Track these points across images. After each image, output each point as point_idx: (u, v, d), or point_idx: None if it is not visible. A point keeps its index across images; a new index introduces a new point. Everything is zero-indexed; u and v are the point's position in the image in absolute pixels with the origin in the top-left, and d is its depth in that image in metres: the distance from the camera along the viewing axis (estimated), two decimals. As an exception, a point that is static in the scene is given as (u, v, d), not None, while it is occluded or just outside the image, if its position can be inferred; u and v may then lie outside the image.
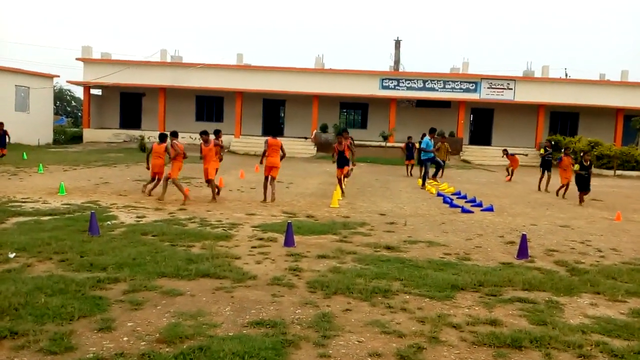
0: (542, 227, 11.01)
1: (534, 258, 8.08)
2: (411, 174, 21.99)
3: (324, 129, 33.14)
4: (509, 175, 21.64)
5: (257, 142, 31.35)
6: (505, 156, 22.11)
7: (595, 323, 5.31)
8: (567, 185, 16.47)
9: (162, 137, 13.60)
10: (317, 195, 14.46)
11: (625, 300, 6.14)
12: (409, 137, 23.30)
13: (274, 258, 7.37)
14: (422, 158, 18.62)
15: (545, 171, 18.43)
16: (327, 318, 5.11)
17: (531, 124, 34.89)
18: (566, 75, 38.73)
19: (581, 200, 15.14)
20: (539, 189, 18.30)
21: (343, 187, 14.64)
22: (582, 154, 15.91)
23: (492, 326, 5.11)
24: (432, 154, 18.34)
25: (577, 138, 30.88)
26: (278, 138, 13.33)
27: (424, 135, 21.61)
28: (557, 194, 16.81)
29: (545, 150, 18.99)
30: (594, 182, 20.20)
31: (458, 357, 4.41)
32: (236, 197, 13.71)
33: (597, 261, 8.09)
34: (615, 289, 6.49)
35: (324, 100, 34.92)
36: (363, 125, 37.67)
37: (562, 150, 18.05)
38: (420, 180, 19.56)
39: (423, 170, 18.32)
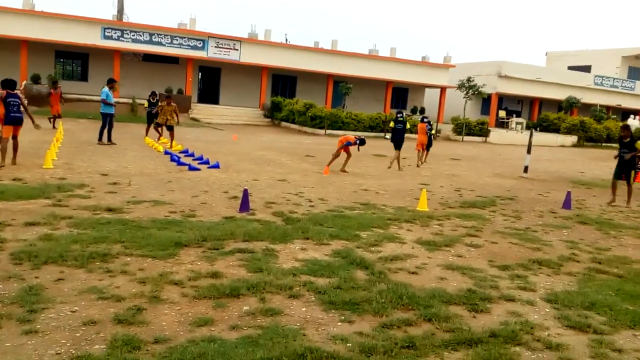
0: (263, 182, 11.80)
1: (255, 211, 8.63)
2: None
3: (35, 79, 29.26)
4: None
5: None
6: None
7: (304, 265, 5.96)
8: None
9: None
10: (27, 155, 12.73)
11: (329, 243, 7.02)
12: (152, 93, 20.50)
13: (-33, 229, 6.32)
14: (101, 112, 16.60)
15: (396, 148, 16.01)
16: (34, 291, 4.63)
17: (256, 85, 36.62)
18: (286, 40, 41.49)
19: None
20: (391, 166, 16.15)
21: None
22: (421, 118, 14.58)
23: (213, 279, 5.31)
24: (113, 108, 16.61)
25: (295, 100, 33.62)
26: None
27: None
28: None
29: (396, 122, 16.16)
30: (308, 139, 22.42)
31: (179, 313, 4.47)
32: None
33: (308, 210, 9.06)
34: (322, 233, 7.37)
35: (36, 47, 30.71)
36: (84, 77, 34.45)
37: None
38: (147, 138, 18.96)
39: (101, 125, 16.65)
